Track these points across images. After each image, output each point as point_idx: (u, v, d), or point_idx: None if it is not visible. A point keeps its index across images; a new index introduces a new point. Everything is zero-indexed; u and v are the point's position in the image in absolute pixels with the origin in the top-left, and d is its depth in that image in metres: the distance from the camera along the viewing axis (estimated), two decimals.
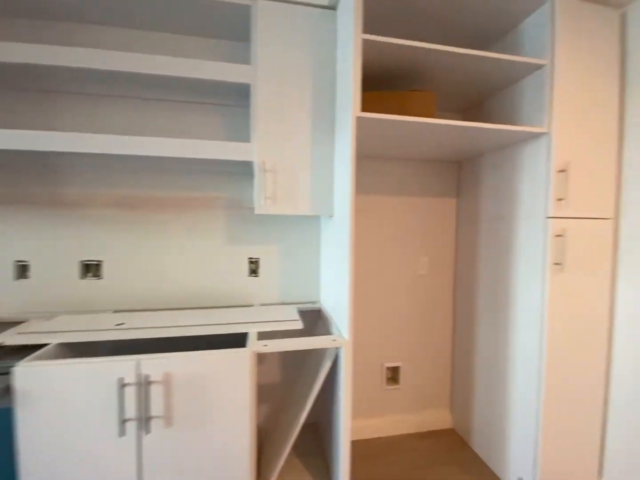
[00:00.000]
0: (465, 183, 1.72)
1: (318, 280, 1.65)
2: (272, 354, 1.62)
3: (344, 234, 1.14)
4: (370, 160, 1.67)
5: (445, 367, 1.84)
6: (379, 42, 1.06)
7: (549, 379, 1.24)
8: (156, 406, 0.98)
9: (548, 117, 1.21)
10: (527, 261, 1.30)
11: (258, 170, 1.25)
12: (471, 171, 1.67)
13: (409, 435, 1.77)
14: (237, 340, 1.13)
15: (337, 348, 1.15)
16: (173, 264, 1.52)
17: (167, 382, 0.98)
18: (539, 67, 1.24)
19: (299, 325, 1.23)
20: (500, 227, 1.45)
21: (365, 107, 1.18)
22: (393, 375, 1.79)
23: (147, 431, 0.98)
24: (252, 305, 1.55)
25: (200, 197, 1.53)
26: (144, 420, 0.97)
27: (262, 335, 1.23)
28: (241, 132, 1.52)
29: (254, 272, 1.58)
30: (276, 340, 1.10)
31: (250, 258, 1.57)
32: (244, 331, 1.18)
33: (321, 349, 1.26)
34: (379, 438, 1.74)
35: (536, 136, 1.26)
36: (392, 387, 1.76)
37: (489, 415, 1.53)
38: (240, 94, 1.38)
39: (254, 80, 1.26)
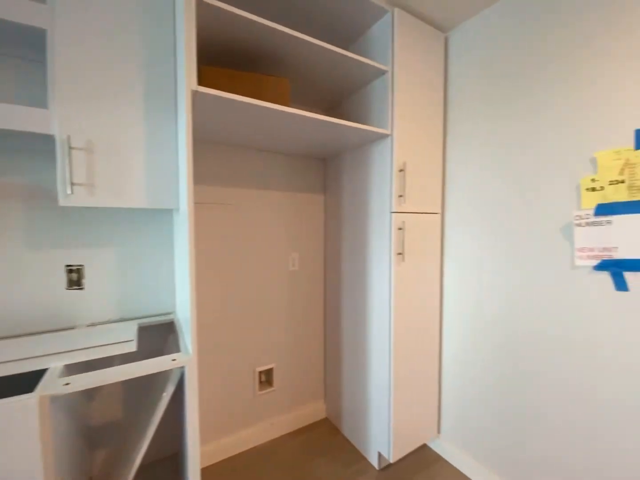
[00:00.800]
0: (330, 179, 1.76)
1: (173, 288, 1.41)
2: (110, 385, 1.29)
3: (184, 230, 0.96)
4: (229, 150, 1.51)
5: (318, 359, 1.87)
6: (216, 7, 0.92)
7: (397, 353, 1.37)
8: None
9: (390, 120, 1.32)
10: (379, 252, 1.40)
11: (61, 148, 0.93)
12: (334, 168, 1.72)
13: (286, 435, 1.73)
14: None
15: (181, 368, 0.97)
16: None
17: None
18: (383, 72, 1.33)
19: (131, 347, 0.99)
20: (358, 222, 1.53)
21: (212, 84, 1.02)
22: (267, 378, 1.70)
23: None
24: (74, 328, 1.19)
25: None
26: None
27: (77, 368, 0.93)
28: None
29: (76, 283, 1.21)
30: (87, 374, 0.84)
31: (70, 266, 1.20)
32: (42, 367, 0.86)
33: (167, 370, 1.05)
34: (254, 448, 1.63)
35: (382, 137, 1.36)
36: (266, 390, 1.67)
37: (354, 399, 1.61)
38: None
39: (51, 25, 0.93)
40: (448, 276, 1.52)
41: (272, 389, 1.69)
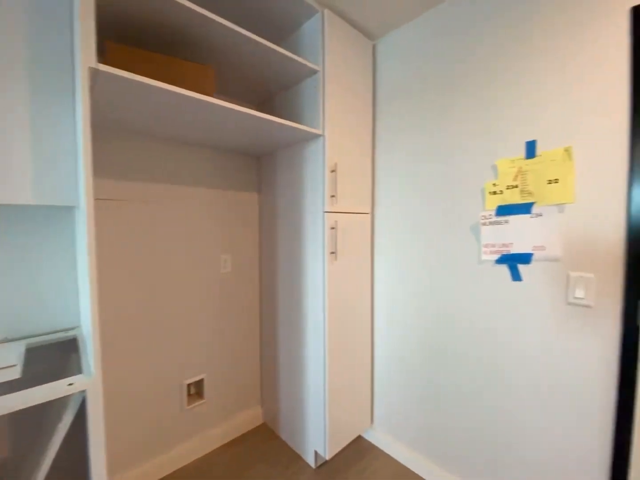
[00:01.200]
0: (265, 178, 1.71)
1: (77, 298, 1.21)
2: None
3: (83, 230, 0.82)
4: (149, 141, 1.35)
5: (254, 364, 1.80)
6: None
7: (331, 349, 1.39)
8: None
9: (322, 120, 1.32)
10: (313, 252, 1.40)
11: None
12: (269, 166, 1.67)
13: (221, 447, 1.63)
14: None
15: (81, 392, 0.83)
16: None
17: None
18: (315, 71, 1.33)
19: (13, 373, 0.81)
20: (293, 221, 1.51)
21: (122, 64, 0.89)
22: (197, 390, 1.58)
23: None
24: None
25: None
26: None
27: None
28: None
29: None
30: None
31: None
32: None
33: (66, 396, 0.89)
34: (186, 466, 1.50)
35: (315, 137, 1.36)
36: (196, 403, 1.55)
37: (291, 401, 1.59)
38: None
39: None
40: (378, 272, 1.60)
41: (203, 401, 1.57)
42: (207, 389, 1.59)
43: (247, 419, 1.76)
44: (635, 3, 0.89)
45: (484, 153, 1.20)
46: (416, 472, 1.45)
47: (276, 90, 1.53)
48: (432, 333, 1.38)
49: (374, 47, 1.59)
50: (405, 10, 1.36)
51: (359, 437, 1.69)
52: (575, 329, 1.01)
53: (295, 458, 1.55)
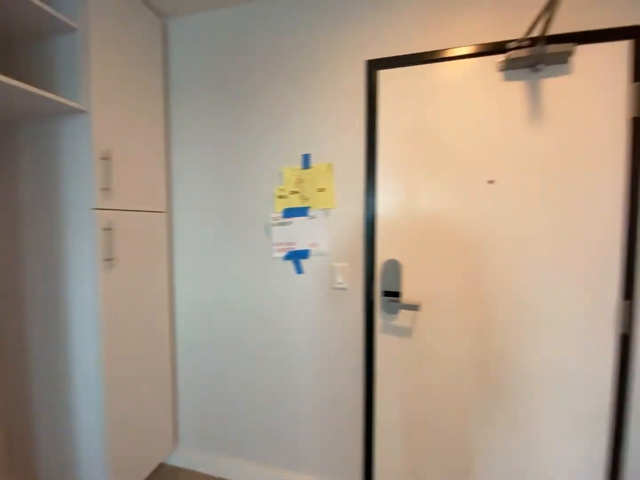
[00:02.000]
0: None
1: None
2: None
3: None
4: None
5: None
6: None
7: (110, 380, 1.15)
8: None
9: (86, 94, 1.05)
10: (78, 259, 1.10)
11: None
12: (5, 142, 1.18)
13: None
14: None
15: None
16: None
17: None
18: (71, 29, 1.03)
19: None
20: (47, 220, 1.13)
21: None
22: None
23: None
24: None
25: None
26: None
27: None
28: None
29: None
30: None
31: None
32: None
33: None
34: None
35: (75, 112, 1.06)
36: None
37: (56, 459, 1.20)
38: None
39: None
40: (179, 275, 1.46)
41: None
42: None
43: None
44: (369, 58, 1.19)
45: (274, 160, 1.30)
46: (225, 477, 1.43)
47: (14, 39, 1.09)
48: (236, 332, 1.40)
49: (166, 27, 1.43)
50: None
51: (161, 465, 1.50)
52: (337, 306, 1.26)
53: None
